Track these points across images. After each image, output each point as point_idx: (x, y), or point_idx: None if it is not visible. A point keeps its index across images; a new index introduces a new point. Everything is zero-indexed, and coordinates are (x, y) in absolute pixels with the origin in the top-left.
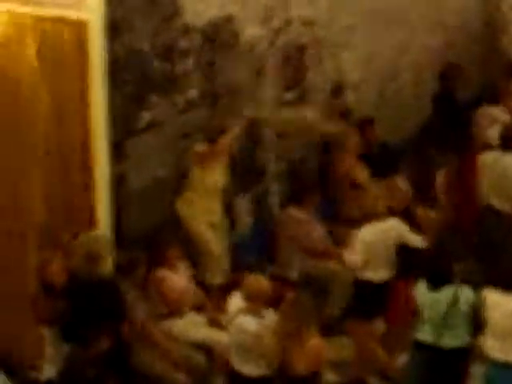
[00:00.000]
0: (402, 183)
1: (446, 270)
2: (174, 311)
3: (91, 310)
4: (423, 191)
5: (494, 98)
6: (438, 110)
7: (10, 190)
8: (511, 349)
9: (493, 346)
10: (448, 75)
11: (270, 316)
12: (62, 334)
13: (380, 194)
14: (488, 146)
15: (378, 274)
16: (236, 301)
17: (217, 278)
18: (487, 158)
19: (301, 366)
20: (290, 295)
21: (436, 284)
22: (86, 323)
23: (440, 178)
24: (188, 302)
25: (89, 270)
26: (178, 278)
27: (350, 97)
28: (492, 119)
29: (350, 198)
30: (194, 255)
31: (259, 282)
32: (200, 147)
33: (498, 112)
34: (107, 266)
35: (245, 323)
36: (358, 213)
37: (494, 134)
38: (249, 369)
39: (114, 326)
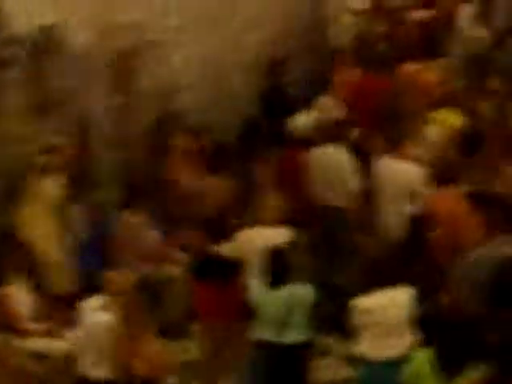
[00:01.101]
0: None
1: (283, 268)
2: (14, 326)
3: None
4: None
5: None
6: (265, 106)
7: None
8: (380, 347)
9: (364, 345)
10: (272, 70)
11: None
12: None
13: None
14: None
15: None
16: (92, 302)
17: (57, 287)
18: (313, 154)
19: (140, 370)
20: (124, 299)
21: (274, 283)
22: None
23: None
24: (28, 316)
25: None
26: (19, 295)
27: (183, 99)
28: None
29: (176, 203)
30: (34, 266)
31: (116, 276)
32: (39, 159)
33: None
34: None
35: (97, 318)
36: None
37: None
38: (96, 372)
39: None
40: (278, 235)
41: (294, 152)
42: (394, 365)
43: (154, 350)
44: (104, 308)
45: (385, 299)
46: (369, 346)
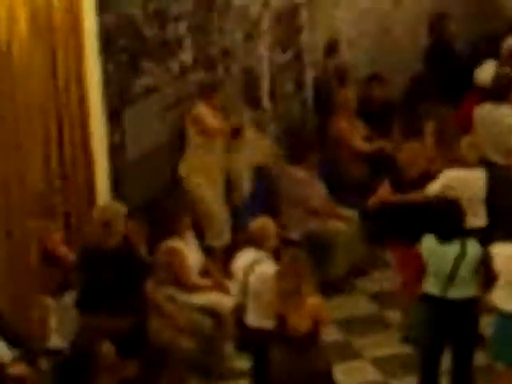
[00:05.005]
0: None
1: (455, 224)
2: (183, 281)
3: (105, 280)
4: None
5: (492, 51)
6: (430, 62)
7: (10, 163)
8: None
9: (499, 297)
10: (437, 25)
11: None
12: (77, 304)
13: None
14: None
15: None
16: (247, 255)
17: (219, 241)
18: (481, 111)
19: (298, 324)
20: (287, 253)
21: (445, 238)
22: (100, 293)
23: (428, 129)
24: (196, 272)
25: (103, 239)
26: (188, 250)
27: (345, 54)
28: None
29: (346, 160)
30: (197, 218)
31: (265, 223)
32: (197, 109)
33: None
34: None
35: (263, 270)
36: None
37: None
38: (259, 323)
39: (130, 299)
40: (476, 176)
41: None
42: None
43: (314, 304)
44: (263, 260)
45: None
46: (502, 297)
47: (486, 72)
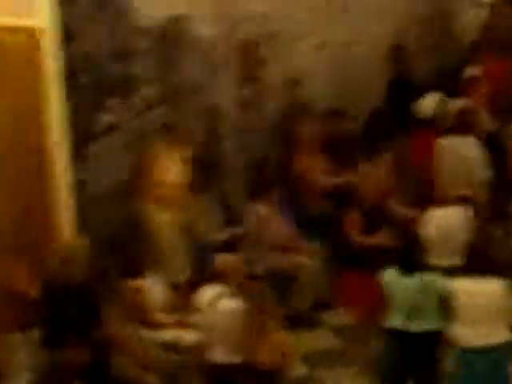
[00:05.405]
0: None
1: (417, 257)
2: (147, 320)
3: (68, 316)
4: None
5: (449, 83)
6: (390, 95)
7: None
8: (477, 335)
9: (459, 331)
10: (395, 58)
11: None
12: (41, 340)
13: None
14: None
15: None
16: (210, 291)
17: (182, 276)
18: (443, 144)
19: (265, 358)
20: (252, 289)
21: (407, 270)
22: (63, 329)
23: (384, 163)
24: (159, 308)
25: (65, 275)
26: (151, 287)
27: (307, 89)
28: None
29: (309, 194)
30: (158, 255)
31: (230, 259)
32: (157, 148)
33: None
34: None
35: (227, 305)
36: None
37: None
38: (224, 358)
39: (92, 335)
40: (457, 214)
41: (421, 135)
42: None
43: (279, 339)
44: (227, 295)
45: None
46: (462, 332)
47: (425, 103)
